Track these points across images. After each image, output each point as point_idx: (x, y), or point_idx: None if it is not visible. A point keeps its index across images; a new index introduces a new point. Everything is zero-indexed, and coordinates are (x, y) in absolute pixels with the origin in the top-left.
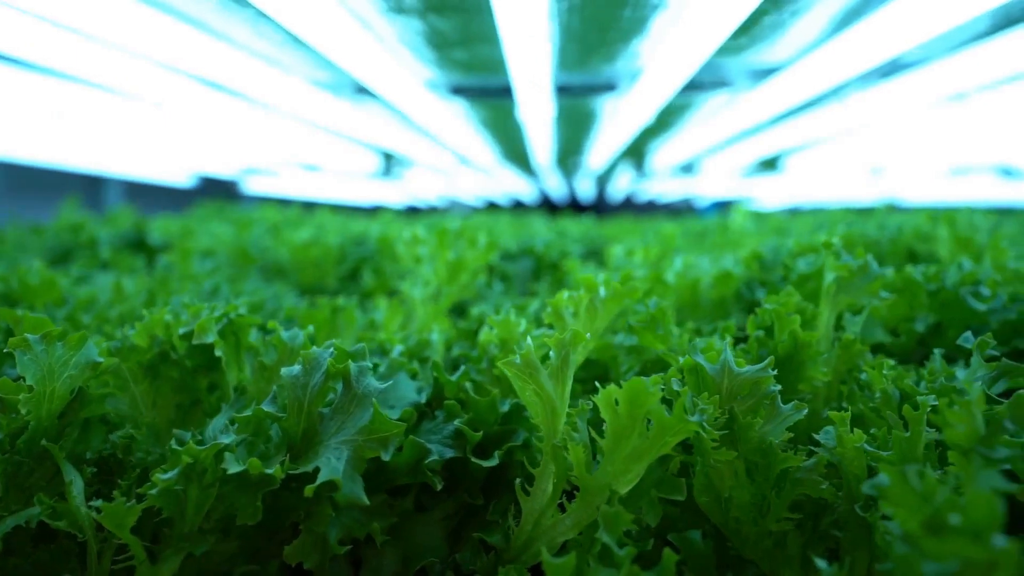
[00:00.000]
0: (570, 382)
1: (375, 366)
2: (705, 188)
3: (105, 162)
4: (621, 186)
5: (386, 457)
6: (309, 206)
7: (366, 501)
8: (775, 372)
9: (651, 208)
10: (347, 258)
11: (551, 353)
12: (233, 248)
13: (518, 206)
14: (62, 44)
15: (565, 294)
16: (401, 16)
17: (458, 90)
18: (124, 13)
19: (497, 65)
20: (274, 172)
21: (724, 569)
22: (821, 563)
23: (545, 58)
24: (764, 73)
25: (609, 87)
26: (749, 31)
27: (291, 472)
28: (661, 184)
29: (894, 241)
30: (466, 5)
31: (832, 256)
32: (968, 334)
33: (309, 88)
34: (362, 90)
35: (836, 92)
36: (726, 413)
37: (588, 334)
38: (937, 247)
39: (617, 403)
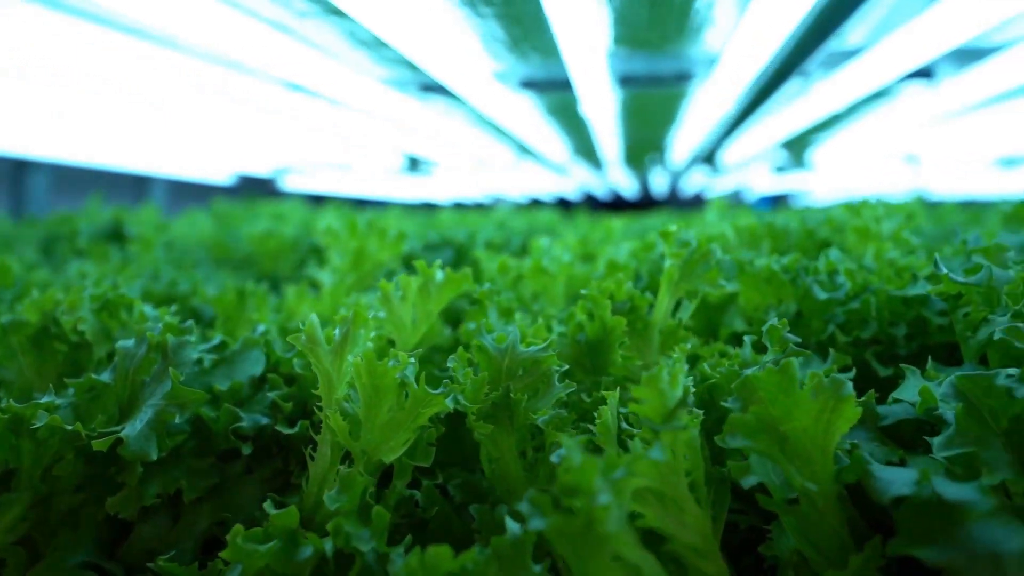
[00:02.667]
0: (351, 357)
1: (224, 344)
2: (756, 182)
3: (149, 162)
4: (696, 182)
5: (177, 420)
6: (344, 202)
7: (152, 457)
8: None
9: (697, 202)
10: (300, 249)
11: (336, 330)
12: (211, 240)
13: (561, 203)
14: (109, 48)
15: (395, 279)
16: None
17: (526, 84)
18: (169, 7)
19: (555, 55)
20: (308, 170)
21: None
22: None
23: (602, 47)
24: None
25: (684, 77)
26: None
27: (102, 431)
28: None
29: (810, 232)
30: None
31: (671, 244)
32: (773, 323)
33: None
34: (430, 87)
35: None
36: (505, 390)
37: (415, 318)
38: (846, 238)
39: (360, 376)
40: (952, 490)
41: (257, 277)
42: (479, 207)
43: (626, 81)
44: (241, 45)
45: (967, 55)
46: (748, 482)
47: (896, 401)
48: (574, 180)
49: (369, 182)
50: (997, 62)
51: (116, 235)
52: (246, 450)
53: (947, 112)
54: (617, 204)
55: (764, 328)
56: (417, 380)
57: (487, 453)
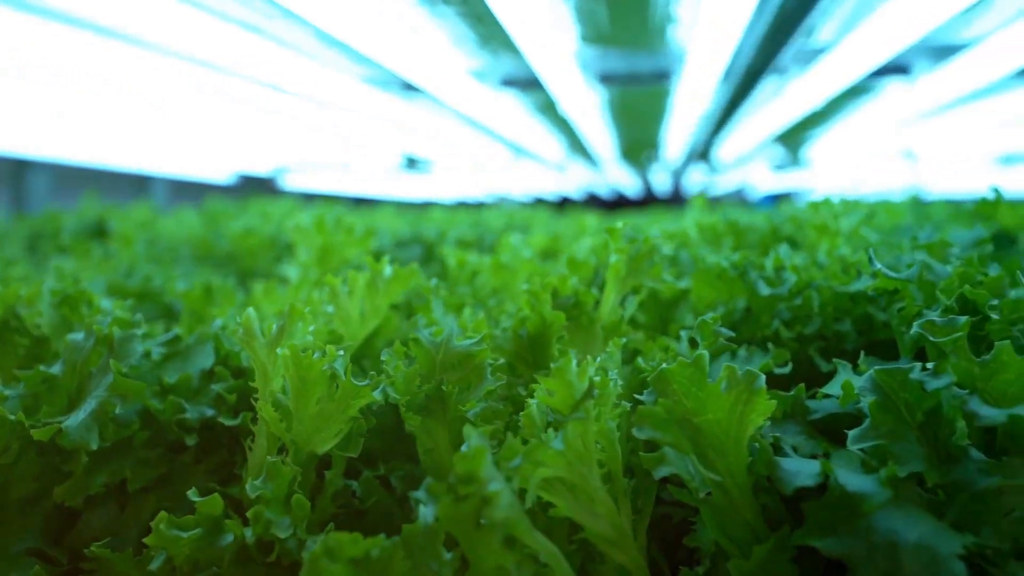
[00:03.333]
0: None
1: (178, 337)
2: (758, 180)
3: (150, 162)
4: (697, 180)
5: (124, 411)
6: (346, 201)
7: (93, 446)
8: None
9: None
10: (278, 246)
11: (275, 324)
12: (197, 238)
13: (564, 202)
14: (109, 50)
15: (342, 274)
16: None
17: (507, 82)
18: (168, 15)
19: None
20: (307, 169)
21: None
22: None
23: (569, 46)
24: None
25: (661, 74)
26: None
27: (46, 422)
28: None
29: (775, 229)
30: None
31: (617, 241)
32: (705, 318)
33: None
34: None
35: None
36: (437, 383)
37: (361, 311)
38: (807, 235)
39: (288, 368)
40: (854, 482)
41: (237, 273)
42: (481, 206)
43: (606, 79)
44: (231, 48)
45: (942, 51)
46: (660, 473)
47: (826, 396)
48: (575, 179)
49: (370, 181)
50: (971, 56)
51: (101, 232)
52: (190, 441)
53: (928, 109)
54: (620, 202)
55: (695, 323)
56: (346, 373)
57: (422, 444)
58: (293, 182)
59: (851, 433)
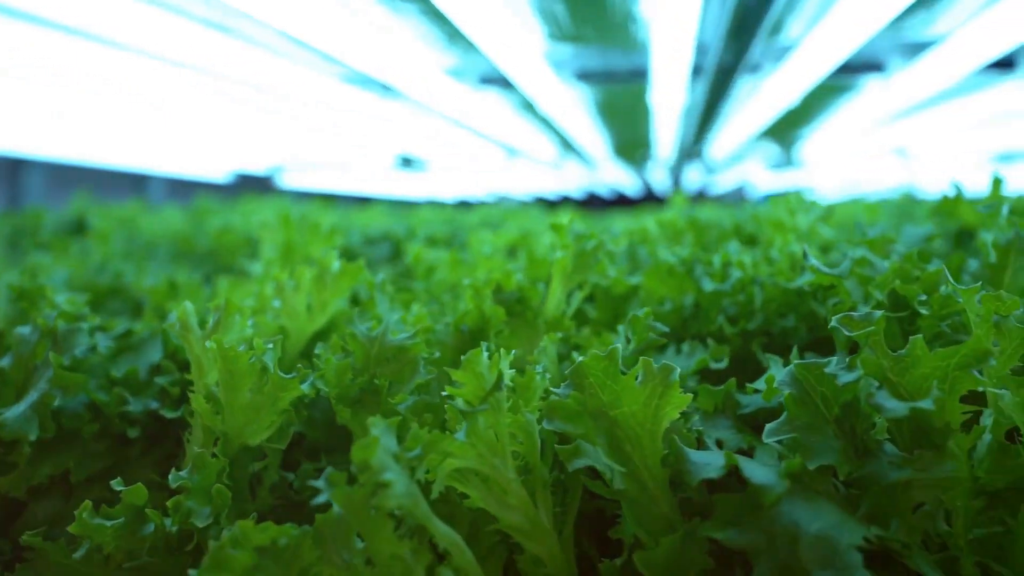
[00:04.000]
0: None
1: (130, 331)
2: (757, 180)
3: (148, 161)
4: (694, 179)
5: (57, 402)
6: (341, 200)
7: (31, 437)
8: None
9: (700, 198)
10: (253, 243)
11: (211, 317)
12: (179, 235)
13: (564, 201)
14: (104, 50)
15: (289, 270)
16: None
17: (485, 80)
18: (160, 23)
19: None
20: (303, 168)
21: None
22: None
23: (537, 45)
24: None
25: (634, 72)
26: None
27: None
28: (723, 175)
29: (738, 226)
30: None
31: (563, 237)
32: (634, 314)
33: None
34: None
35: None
36: (370, 376)
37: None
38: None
39: (217, 361)
40: (759, 474)
41: (216, 270)
42: (482, 205)
43: (583, 77)
44: (224, 51)
45: (914, 48)
46: (574, 465)
47: (756, 391)
48: (575, 178)
49: (370, 181)
50: (942, 51)
51: (81, 229)
52: (132, 433)
53: (908, 106)
54: (620, 201)
55: (627, 319)
56: (275, 366)
57: (356, 437)
58: (291, 181)
59: (768, 426)
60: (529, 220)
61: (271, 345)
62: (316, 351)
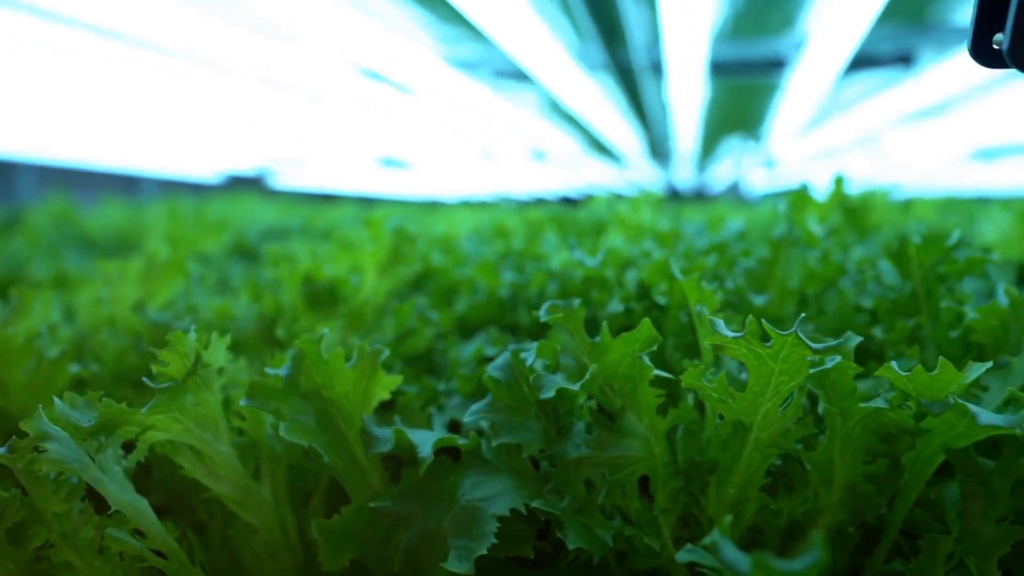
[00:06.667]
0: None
1: None
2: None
3: (139, 162)
4: (690, 176)
5: None
6: (347, 200)
7: None
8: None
9: (700, 196)
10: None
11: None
12: (120, 231)
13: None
14: (97, 49)
15: (114, 263)
16: None
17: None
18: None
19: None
20: (293, 168)
21: None
22: None
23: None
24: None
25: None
26: None
27: None
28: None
29: (596, 222)
30: None
31: (376, 232)
32: (397, 304)
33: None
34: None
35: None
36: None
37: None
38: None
39: None
40: (427, 450)
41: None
42: (483, 205)
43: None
44: (219, 46)
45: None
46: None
47: None
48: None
49: (364, 180)
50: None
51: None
52: None
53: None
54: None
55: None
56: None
57: None
58: (285, 181)
59: (472, 407)
60: (461, 217)
61: (44, 328)
62: (103, 335)
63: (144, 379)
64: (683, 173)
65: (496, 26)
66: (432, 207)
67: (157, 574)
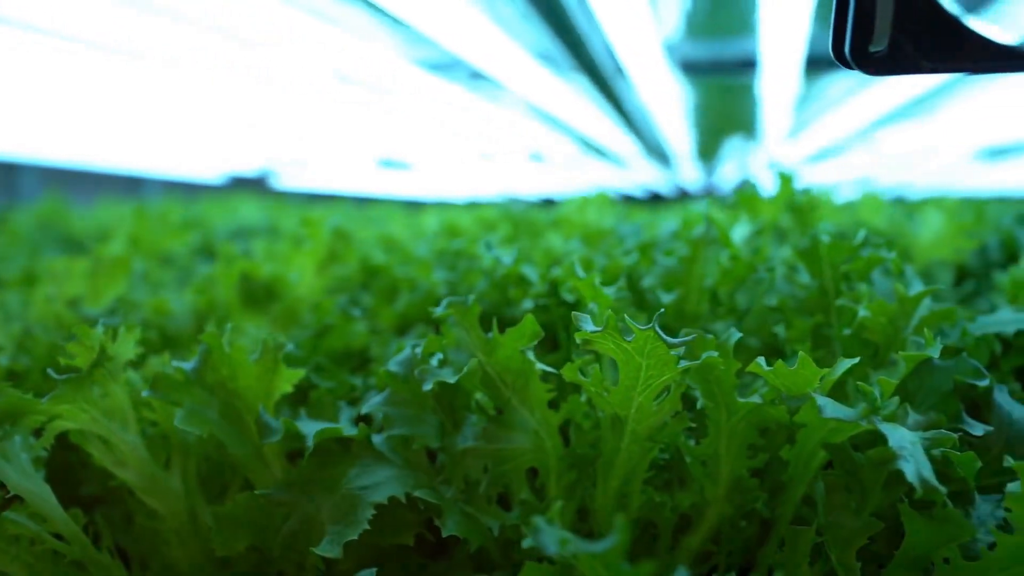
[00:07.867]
0: None
1: None
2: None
3: (142, 163)
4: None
5: None
6: (349, 200)
7: None
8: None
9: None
10: None
11: None
12: (101, 231)
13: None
14: (100, 51)
15: (60, 261)
16: None
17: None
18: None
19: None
20: (296, 168)
21: None
22: None
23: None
24: None
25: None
26: None
27: None
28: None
29: (548, 220)
30: None
31: (313, 231)
32: (316, 303)
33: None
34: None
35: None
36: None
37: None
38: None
39: None
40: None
41: None
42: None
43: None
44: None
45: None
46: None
47: None
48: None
49: (372, 180)
50: None
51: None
52: None
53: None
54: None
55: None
56: None
57: None
58: (289, 182)
59: (370, 400)
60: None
61: None
62: (33, 331)
63: (48, 370)
64: (689, 174)
65: (449, 31)
66: (434, 207)
67: (67, 559)
